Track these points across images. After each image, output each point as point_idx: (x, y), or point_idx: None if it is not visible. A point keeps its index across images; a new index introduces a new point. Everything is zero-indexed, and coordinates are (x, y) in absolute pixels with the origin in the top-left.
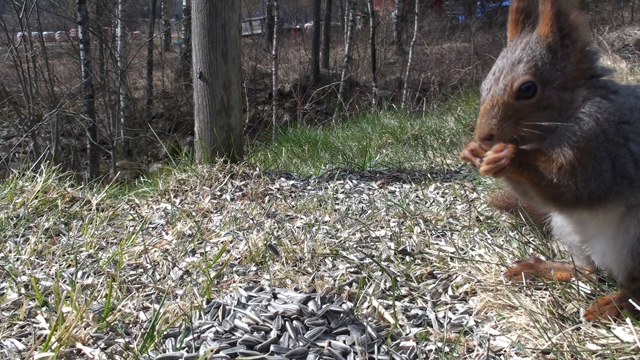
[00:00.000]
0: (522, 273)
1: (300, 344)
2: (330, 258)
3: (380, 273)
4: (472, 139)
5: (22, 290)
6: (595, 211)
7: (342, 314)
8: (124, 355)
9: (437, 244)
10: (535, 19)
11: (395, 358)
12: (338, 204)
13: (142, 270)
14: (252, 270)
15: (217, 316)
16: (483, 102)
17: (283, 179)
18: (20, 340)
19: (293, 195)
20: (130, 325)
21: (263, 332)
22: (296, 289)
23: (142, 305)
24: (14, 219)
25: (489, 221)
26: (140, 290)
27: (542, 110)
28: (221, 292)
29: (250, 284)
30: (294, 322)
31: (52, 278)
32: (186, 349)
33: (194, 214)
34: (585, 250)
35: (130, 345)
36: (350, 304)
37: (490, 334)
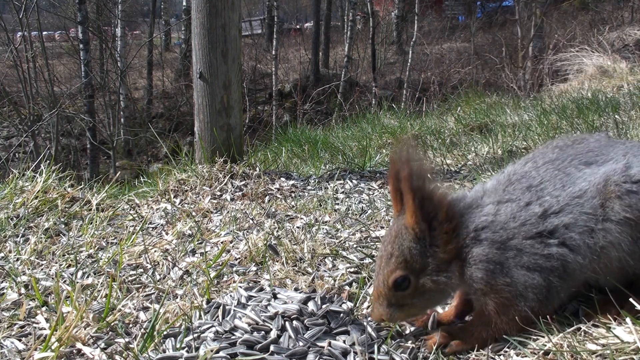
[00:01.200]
0: None
1: (300, 344)
2: (330, 258)
3: None
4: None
5: (22, 290)
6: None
7: (342, 314)
8: (124, 355)
9: None
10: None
11: (395, 358)
12: (338, 204)
13: (142, 270)
14: (252, 270)
15: (217, 316)
16: (374, 288)
17: (283, 179)
18: (20, 340)
19: (293, 195)
20: (130, 325)
21: (263, 332)
22: (296, 289)
23: (142, 305)
24: (14, 219)
25: None
26: (140, 290)
27: (420, 295)
28: (221, 292)
29: (250, 284)
30: (294, 322)
31: (52, 278)
32: (186, 349)
33: (194, 214)
34: None
35: (130, 345)
36: (350, 304)
37: None
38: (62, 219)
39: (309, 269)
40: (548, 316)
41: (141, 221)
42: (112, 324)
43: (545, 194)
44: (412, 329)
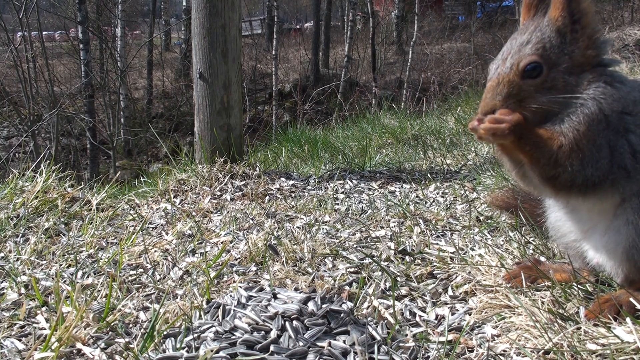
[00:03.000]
0: (522, 275)
1: (300, 344)
2: (330, 258)
3: (380, 273)
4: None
5: (22, 290)
6: (588, 199)
7: (342, 314)
8: (124, 355)
9: (437, 244)
10: (548, 4)
11: (395, 358)
12: (338, 204)
13: (142, 270)
14: (252, 270)
15: (217, 316)
16: (489, 79)
17: (283, 179)
18: (20, 340)
19: (293, 195)
20: (130, 325)
21: (263, 332)
22: (296, 289)
23: (142, 305)
24: (14, 219)
25: (489, 221)
26: (140, 290)
27: (546, 91)
28: (221, 292)
29: (250, 284)
30: (294, 322)
31: (52, 278)
32: (186, 349)
33: (194, 214)
34: (579, 248)
35: (130, 345)
36: (350, 304)
37: (491, 334)
38: (62, 219)
39: (309, 269)
40: (547, 317)
41: (141, 221)
42: (112, 324)
43: None
44: (413, 329)
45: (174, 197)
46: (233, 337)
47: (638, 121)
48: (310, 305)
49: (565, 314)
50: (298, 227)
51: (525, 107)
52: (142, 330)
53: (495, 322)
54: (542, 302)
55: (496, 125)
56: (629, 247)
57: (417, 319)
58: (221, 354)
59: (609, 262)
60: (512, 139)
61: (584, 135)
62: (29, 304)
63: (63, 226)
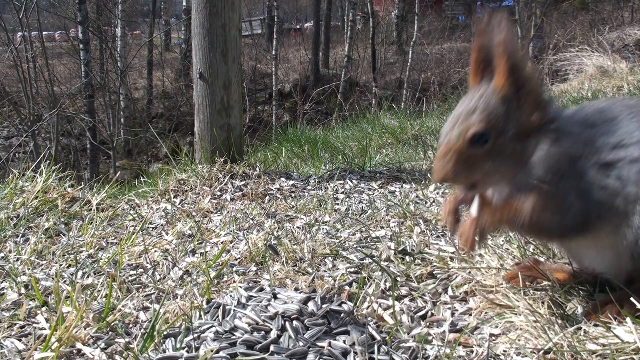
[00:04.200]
0: (521, 276)
1: (300, 344)
2: (330, 258)
3: (380, 273)
4: (452, 192)
5: (22, 290)
6: (586, 235)
7: (342, 314)
8: (124, 355)
9: (437, 244)
10: (494, 70)
11: (395, 358)
12: (338, 204)
13: (142, 270)
14: (252, 270)
15: (217, 316)
16: (439, 146)
17: (283, 179)
18: (20, 340)
19: (293, 195)
20: (130, 325)
21: (263, 332)
22: (296, 289)
23: (142, 305)
24: (14, 219)
25: None
26: (140, 290)
27: (494, 158)
28: (221, 292)
29: (250, 284)
30: (294, 322)
31: (52, 278)
32: (186, 349)
33: (194, 214)
34: (575, 253)
35: (130, 345)
36: (350, 304)
37: (491, 334)
38: (62, 219)
39: (309, 269)
40: (547, 317)
41: (141, 221)
42: (112, 324)
43: (621, 126)
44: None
45: (174, 197)
46: (233, 337)
47: (592, 159)
48: (310, 305)
49: (565, 314)
50: (298, 227)
51: (473, 174)
52: (142, 330)
53: (495, 322)
54: (542, 302)
55: (465, 241)
56: (630, 247)
57: (417, 318)
58: (221, 354)
59: (608, 264)
60: (490, 229)
61: (541, 195)
62: (29, 304)
63: (63, 226)
